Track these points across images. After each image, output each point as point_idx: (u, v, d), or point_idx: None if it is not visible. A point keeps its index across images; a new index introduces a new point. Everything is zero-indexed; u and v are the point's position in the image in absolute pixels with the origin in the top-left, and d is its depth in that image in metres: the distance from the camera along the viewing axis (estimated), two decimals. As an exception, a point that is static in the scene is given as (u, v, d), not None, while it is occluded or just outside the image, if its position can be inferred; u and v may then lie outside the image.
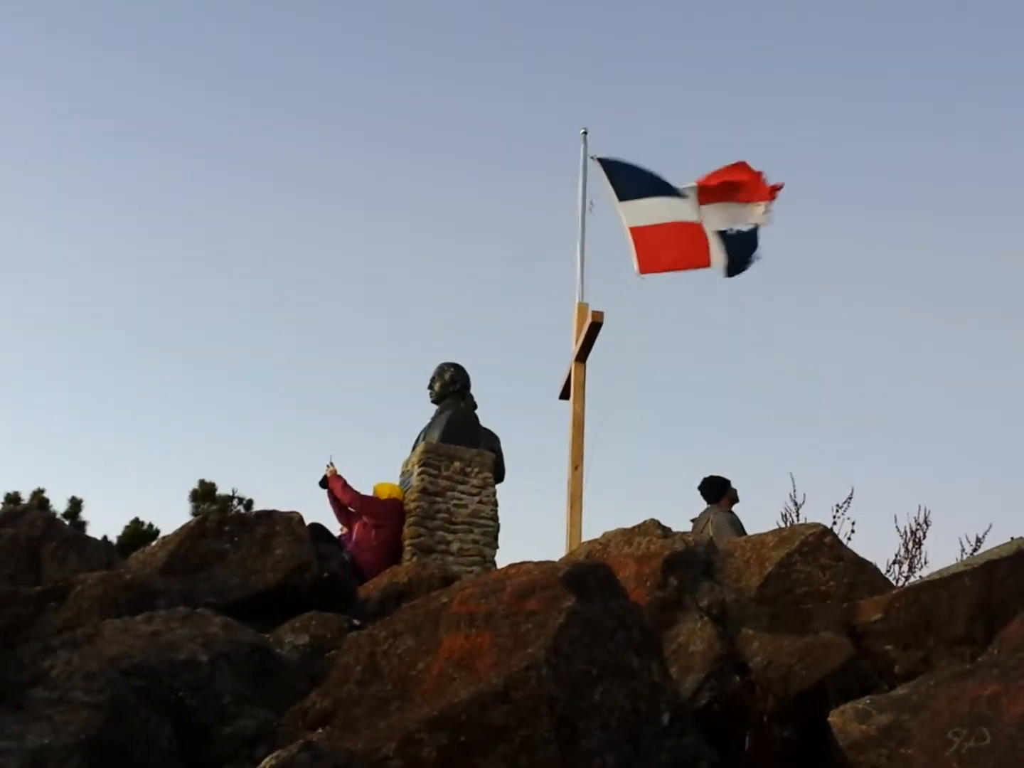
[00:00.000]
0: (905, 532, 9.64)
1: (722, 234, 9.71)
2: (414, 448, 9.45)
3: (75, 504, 17.05)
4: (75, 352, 38.51)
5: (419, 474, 8.87)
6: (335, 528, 9.00)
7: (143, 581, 4.67)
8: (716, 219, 9.76)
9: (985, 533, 9.01)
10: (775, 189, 9.90)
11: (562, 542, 8.36)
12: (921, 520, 9.67)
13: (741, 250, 9.75)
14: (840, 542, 5.04)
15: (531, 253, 40.58)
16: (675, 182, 9.90)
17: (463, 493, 8.94)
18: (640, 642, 3.40)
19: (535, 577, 3.43)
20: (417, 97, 41.30)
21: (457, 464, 9.03)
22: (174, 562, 5.13)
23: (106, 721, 2.94)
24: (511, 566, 3.70)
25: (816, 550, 4.84)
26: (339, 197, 41.34)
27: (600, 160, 9.83)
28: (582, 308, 9.08)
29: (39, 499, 16.26)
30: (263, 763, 2.79)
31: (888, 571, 9.11)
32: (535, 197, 41.11)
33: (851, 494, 9.70)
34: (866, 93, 38.88)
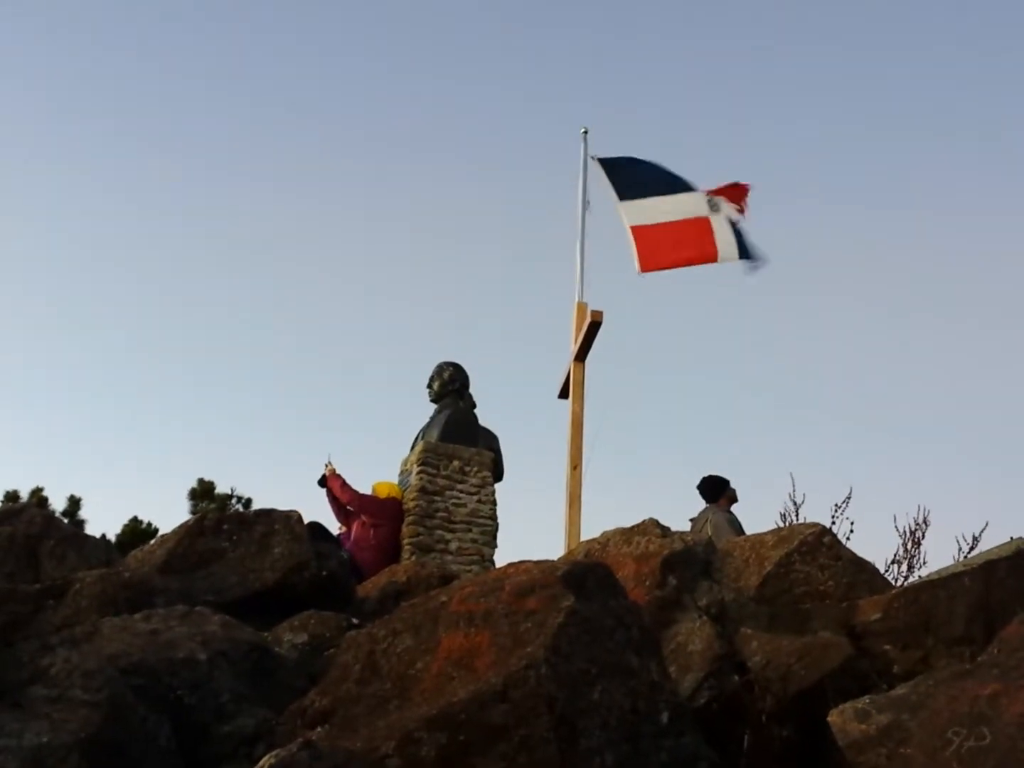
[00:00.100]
0: (904, 532, 9.66)
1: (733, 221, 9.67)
2: (413, 447, 9.45)
3: (74, 502, 17.06)
4: (75, 351, 38.55)
5: (418, 473, 8.87)
6: (334, 527, 9.01)
7: (142, 579, 4.66)
8: (726, 208, 9.74)
9: (982, 531, 9.04)
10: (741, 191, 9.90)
11: (561, 541, 8.36)
12: (920, 520, 9.70)
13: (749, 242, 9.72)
14: (839, 542, 5.04)
15: (531, 252, 40.64)
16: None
17: (462, 492, 8.94)
18: (639, 641, 3.40)
19: (534, 576, 3.42)
20: (417, 97, 41.34)
21: (456, 463, 9.02)
22: (173, 560, 5.12)
23: (105, 719, 2.94)
24: (510, 565, 3.69)
25: (815, 550, 4.84)
26: (339, 197, 41.39)
27: (600, 160, 9.83)
28: (581, 307, 9.08)
29: (38, 497, 16.26)
30: (262, 762, 2.79)
31: (887, 571, 9.13)
32: (535, 197, 41.16)
33: (850, 494, 9.73)
34: (866, 93, 38.94)
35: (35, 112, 37.61)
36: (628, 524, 5.25)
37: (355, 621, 4.55)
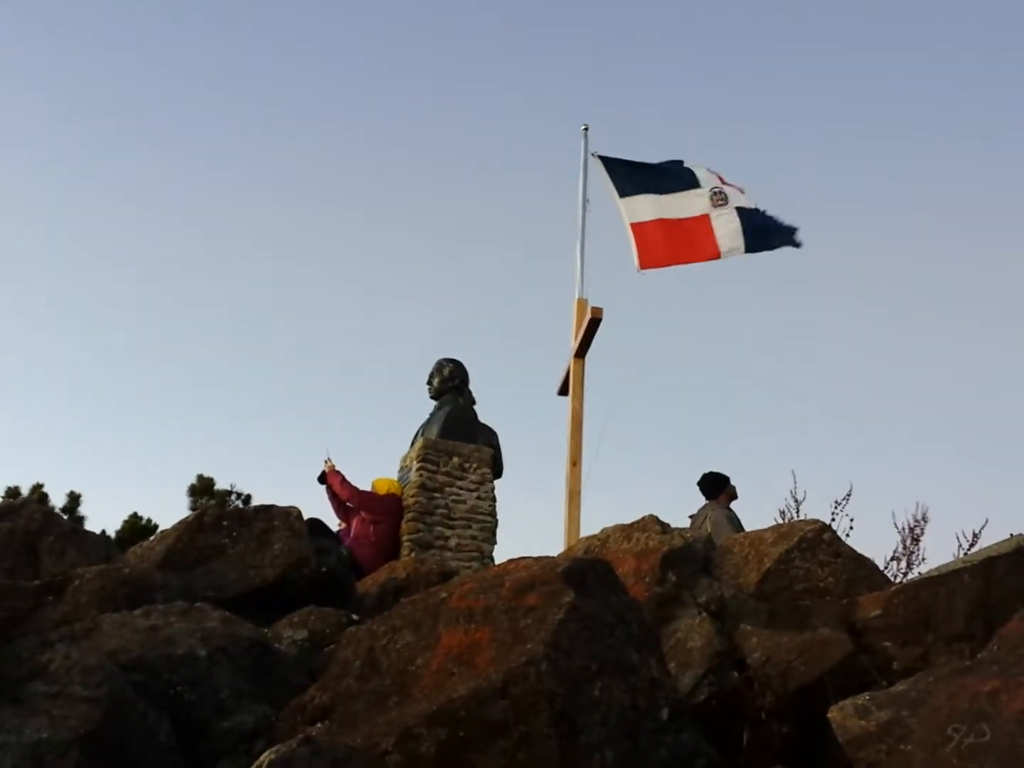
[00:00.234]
0: (903, 529, 9.68)
1: (744, 210, 9.63)
2: (413, 444, 9.45)
3: (74, 499, 17.08)
4: (75, 349, 38.54)
5: (417, 469, 8.87)
6: (333, 523, 9.01)
7: (141, 575, 4.66)
8: (739, 198, 9.71)
9: (982, 528, 9.06)
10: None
11: (560, 538, 8.37)
12: (919, 517, 9.71)
13: (771, 227, 9.66)
14: (839, 538, 5.04)
15: (531, 249, 40.67)
16: (686, 155, 9.91)
17: (461, 489, 8.95)
18: (639, 638, 3.40)
19: (534, 572, 3.42)
20: (417, 96, 41.33)
21: (456, 460, 9.03)
22: (172, 557, 5.12)
23: (104, 715, 2.94)
24: (510, 561, 3.69)
25: (815, 546, 4.84)
26: (338, 195, 41.36)
27: (601, 157, 9.82)
28: (581, 304, 9.08)
29: (39, 494, 16.27)
30: (261, 758, 2.79)
31: (886, 567, 9.15)
32: (535, 194, 41.20)
33: (850, 491, 9.75)
34: (866, 92, 38.93)
35: (35, 112, 37.64)
36: (628, 521, 5.26)
37: (355, 617, 4.55)
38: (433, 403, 9.79)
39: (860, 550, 4.97)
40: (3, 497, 15.63)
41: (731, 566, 4.90)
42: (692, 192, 9.75)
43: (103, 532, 13.50)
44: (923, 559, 9.48)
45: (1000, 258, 38.27)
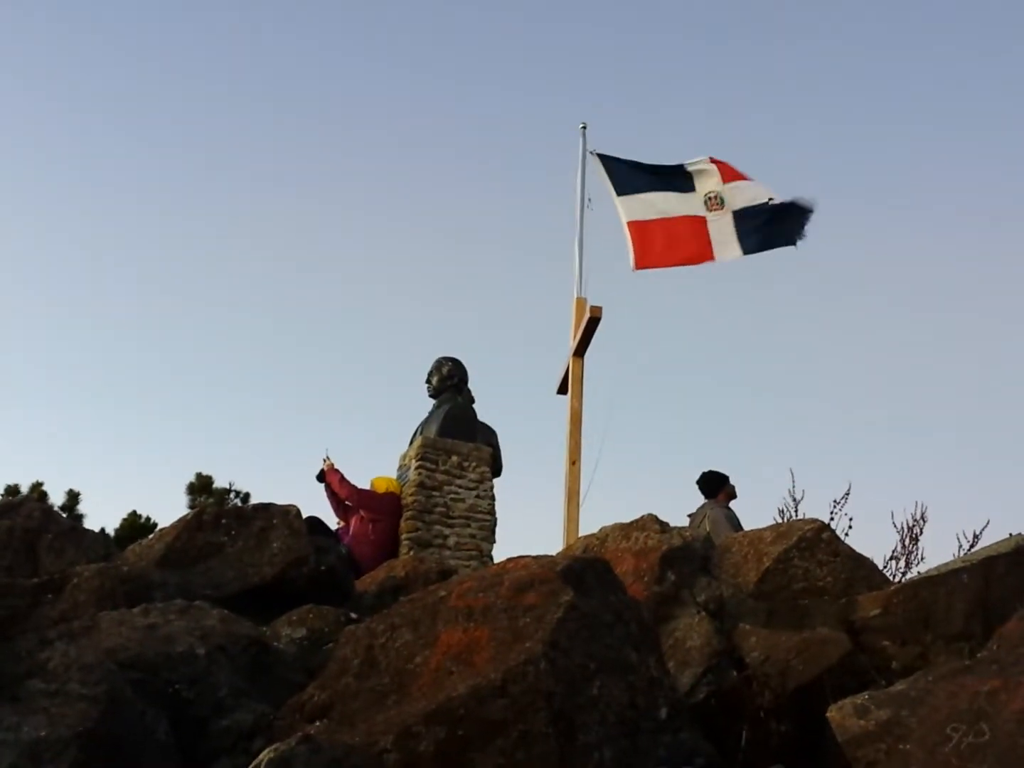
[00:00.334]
0: (902, 528, 9.67)
1: (741, 212, 9.61)
2: (412, 442, 9.45)
3: (73, 497, 17.08)
4: (74, 348, 38.53)
5: (416, 468, 8.87)
6: (332, 522, 9.01)
7: (140, 574, 4.65)
8: (741, 196, 9.68)
9: (983, 529, 9.04)
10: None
11: (559, 537, 8.37)
12: (918, 516, 9.70)
13: (771, 225, 9.62)
14: (837, 538, 5.04)
15: (530, 248, 40.66)
16: (684, 158, 9.88)
17: (460, 487, 8.94)
18: (638, 637, 3.40)
19: (533, 571, 3.42)
20: (416, 94, 41.32)
21: (455, 458, 9.02)
22: (171, 555, 5.12)
23: (103, 714, 2.93)
24: (509, 560, 3.69)
25: (814, 546, 4.84)
26: (337, 195, 41.33)
27: (599, 155, 9.81)
28: (580, 303, 9.08)
29: (38, 492, 16.27)
30: (260, 756, 2.79)
31: (885, 567, 9.14)
32: (534, 192, 41.19)
33: (848, 490, 9.74)
34: (867, 91, 38.91)
35: (35, 112, 37.61)
36: (626, 520, 5.25)
37: (353, 616, 4.54)
38: (432, 402, 9.78)
39: (859, 549, 4.97)
40: (2, 495, 15.63)
41: (730, 565, 4.90)
42: (688, 195, 9.75)
43: (102, 530, 13.53)
44: (922, 559, 9.47)
45: (999, 255, 38.29)
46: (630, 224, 9.48)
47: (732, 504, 8.79)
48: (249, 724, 3.38)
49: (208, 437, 33.46)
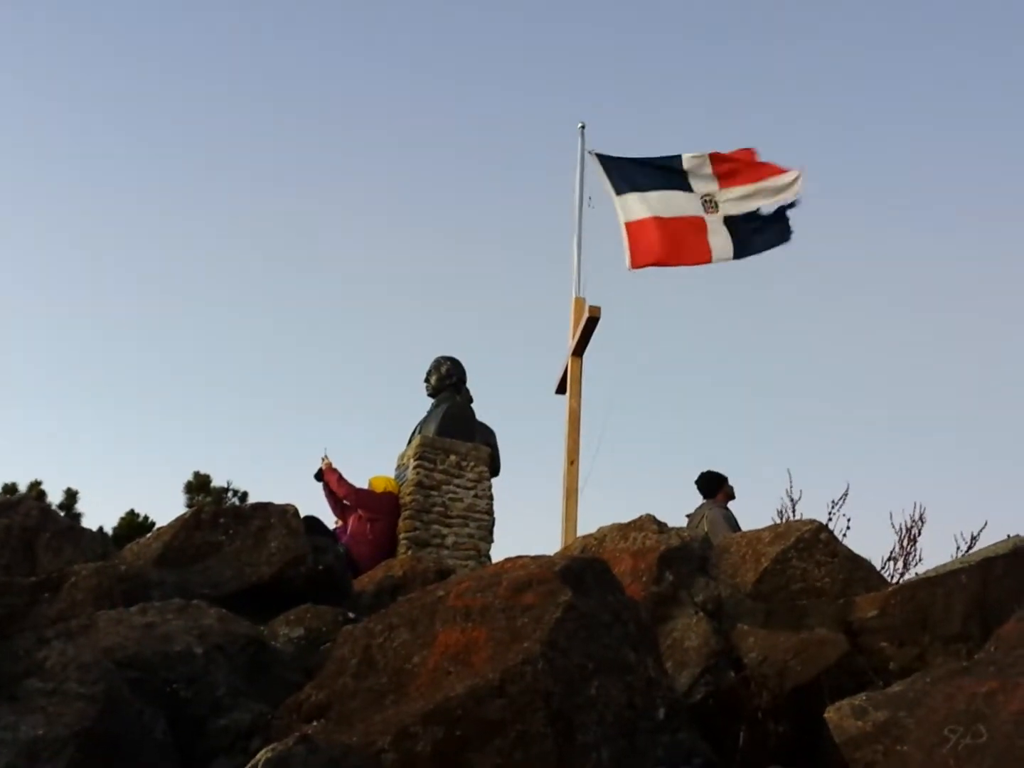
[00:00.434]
0: (900, 529, 9.66)
1: (733, 219, 9.62)
2: (410, 442, 9.45)
3: (71, 495, 17.04)
4: (73, 347, 38.50)
5: (415, 468, 8.86)
6: (330, 521, 9.00)
7: (138, 572, 4.65)
8: (734, 204, 9.69)
9: (980, 531, 9.03)
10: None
11: (557, 537, 8.37)
12: (916, 517, 9.69)
13: (762, 229, 9.64)
14: (835, 538, 5.05)
15: (529, 248, 40.64)
16: (684, 150, 9.87)
17: (459, 487, 8.94)
18: (636, 637, 3.40)
19: (531, 571, 3.42)
20: (415, 94, 41.25)
21: (453, 458, 9.02)
22: (169, 554, 5.12)
23: (100, 713, 2.93)
24: (507, 560, 3.69)
25: (812, 546, 4.84)
26: (335, 195, 41.30)
27: (598, 155, 9.81)
28: (579, 303, 9.07)
29: (36, 490, 16.25)
30: (258, 756, 2.78)
31: (883, 568, 9.12)
32: (533, 192, 41.14)
33: (846, 490, 9.72)
34: (867, 90, 38.88)
35: (35, 112, 37.57)
36: (625, 520, 5.26)
37: (351, 615, 4.54)
38: (430, 401, 9.78)
39: (857, 550, 4.98)
40: (0, 493, 15.61)
41: (728, 566, 4.91)
42: (688, 194, 9.75)
43: (100, 529, 13.51)
44: (920, 560, 9.46)
45: (1000, 258, 38.29)
46: (628, 224, 9.48)
47: (730, 504, 8.80)
48: (247, 723, 3.38)
49: (206, 436, 33.44)
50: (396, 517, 8.78)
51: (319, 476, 9.03)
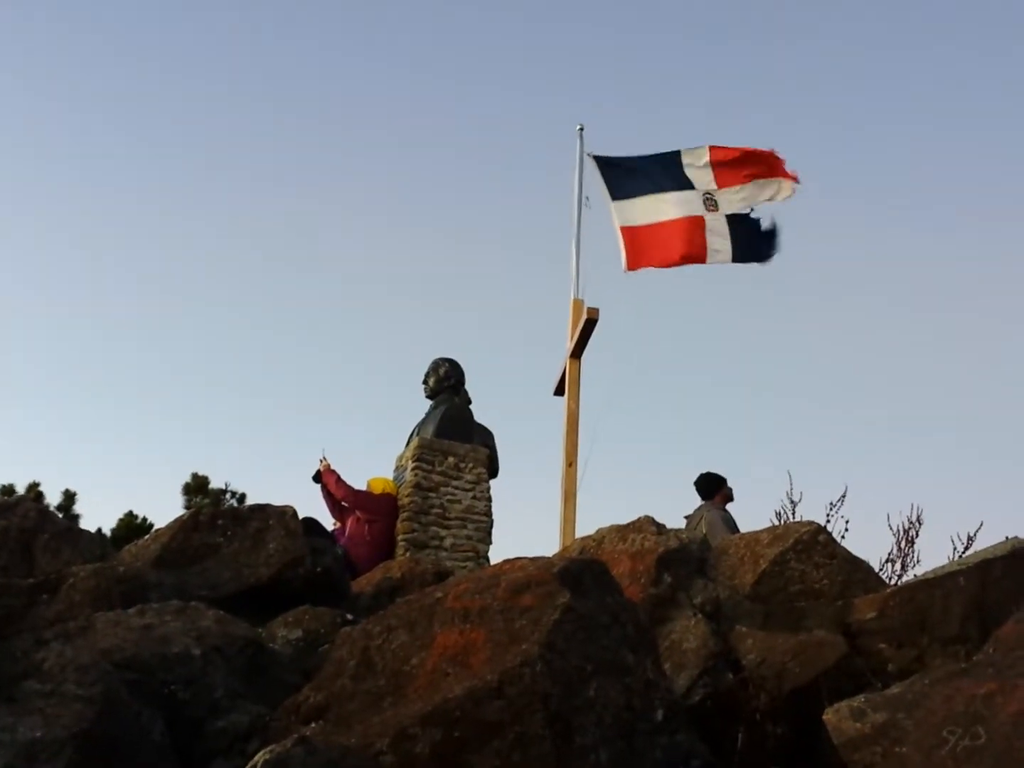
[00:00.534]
0: (898, 531, 9.67)
1: (734, 218, 9.61)
2: (408, 443, 9.44)
3: (69, 497, 17.03)
4: (72, 347, 38.49)
5: (413, 469, 8.86)
6: (328, 522, 8.99)
7: (136, 574, 4.65)
8: (732, 202, 9.68)
9: (977, 531, 9.04)
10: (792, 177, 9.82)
11: (556, 538, 8.36)
12: (914, 519, 9.70)
13: (756, 238, 9.65)
14: (834, 540, 5.04)
15: (527, 249, 40.67)
16: (683, 144, 9.87)
17: (457, 489, 8.93)
18: (634, 639, 3.40)
19: (530, 573, 3.42)
20: (415, 94, 41.27)
21: (451, 460, 9.01)
22: (167, 555, 5.11)
23: (98, 714, 2.93)
24: (506, 562, 3.69)
25: (810, 548, 4.84)
26: (334, 195, 41.31)
27: (596, 158, 9.81)
28: (577, 304, 9.07)
29: (34, 492, 16.24)
30: (256, 758, 2.78)
31: (881, 569, 9.13)
32: (532, 194, 41.11)
33: (844, 493, 9.73)
34: (867, 92, 38.90)
35: (35, 112, 37.57)
36: (623, 521, 5.25)
37: (349, 617, 4.54)
38: (429, 403, 9.78)
39: (855, 552, 4.98)
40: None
41: (726, 567, 4.90)
42: (688, 192, 9.74)
43: (98, 530, 13.52)
44: (918, 561, 9.47)
45: (1000, 258, 38.29)
46: (623, 229, 9.48)
47: (729, 506, 8.80)
48: (245, 725, 3.38)
49: (205, 437, 33.43)
50: (394, 519, 8.77)
51: (317, 477, 9.02)
